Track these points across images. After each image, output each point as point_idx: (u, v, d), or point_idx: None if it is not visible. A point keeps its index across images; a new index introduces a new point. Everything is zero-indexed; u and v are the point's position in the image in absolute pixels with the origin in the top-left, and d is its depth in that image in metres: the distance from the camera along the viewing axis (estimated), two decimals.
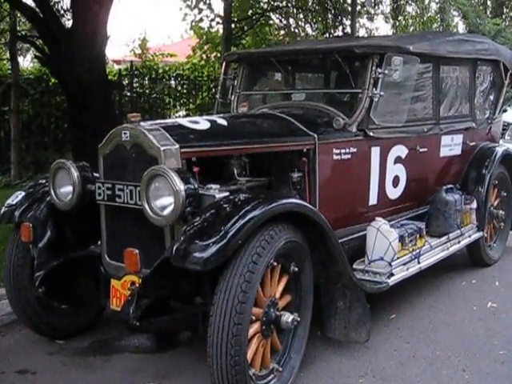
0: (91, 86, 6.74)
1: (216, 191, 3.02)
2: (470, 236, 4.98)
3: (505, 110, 5.84)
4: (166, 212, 2.93)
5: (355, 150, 4.04)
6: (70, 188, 3.48)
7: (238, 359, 2.67)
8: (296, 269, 3.19)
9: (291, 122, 3.86)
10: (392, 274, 3.89)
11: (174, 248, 2.68)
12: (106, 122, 6.27)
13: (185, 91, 13.89)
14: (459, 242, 4.81)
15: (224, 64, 4.89)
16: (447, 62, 4.84)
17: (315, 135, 3.79)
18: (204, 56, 13.84)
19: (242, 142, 3.50)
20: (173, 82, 13.84)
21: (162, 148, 3.08)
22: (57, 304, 3.73)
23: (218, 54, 12.75)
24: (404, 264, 4.05)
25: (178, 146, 3.12)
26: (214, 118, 3.66)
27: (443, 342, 3.87)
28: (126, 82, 12.16)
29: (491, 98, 5.65)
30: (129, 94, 11.71)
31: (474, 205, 5.01)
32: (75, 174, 3.42)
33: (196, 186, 2.96)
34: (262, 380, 3.03)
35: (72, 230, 3.71)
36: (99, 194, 3.36)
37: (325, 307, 3.56)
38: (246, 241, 2.73)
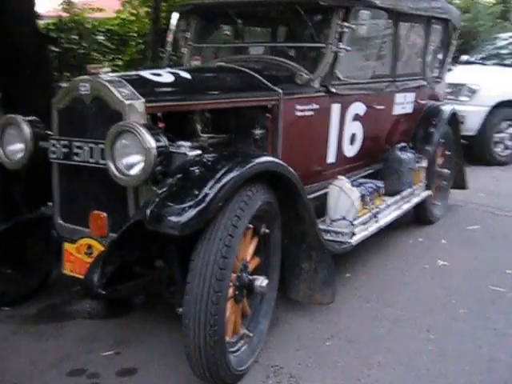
0: (24, 40, 6.25)
1: (187, 149, 2.82)
2: (419, 195, 5.01)
3: (450, 70, 5.84)
4: (134, 171, 2.72)
5: (317, 106, 3.92)
6: (20, 146, 3.20)
7: (217, 329, 2.54)
8: (267, 230, 3.07)
9: (254, 76, 3.68)
10: (353, 234, 3.84)
11: (148, 211, 2.49)
12: (42, 79, 5.86)
13: (113, 47, 13.35)
14: (410, 201, 4.83)
15: (176, 15, 4.60)
16: (405, 19, 4.76)
17: (280, 90, 3.63)
18: (133, 11, 13.29)
19: (209, 97, 3.31)
20: (101, 38, 13.24)
21: (126, 102, 2.84)
22: (4, 269, 3.48)
23: (148, 10, 12.29)
24: (364, 223, 4.02)
25: (143, 100, 2.89)
26: (176, 70, 3.42)
27: (402, 301, 3.88)
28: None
29: (439, 56, 5.64)
30: (57, 49, 11.08)
31: (425, 163, 5.03)
32: (27, 130, 3.14)
33: (166, 143, 2.75)
34: (233, 347, 2.91)
35: (19, 191, 3.43)
36: (53, 152, 3.09)
37: (288, 269, 3.46)
38: (224, 203, 2.57)
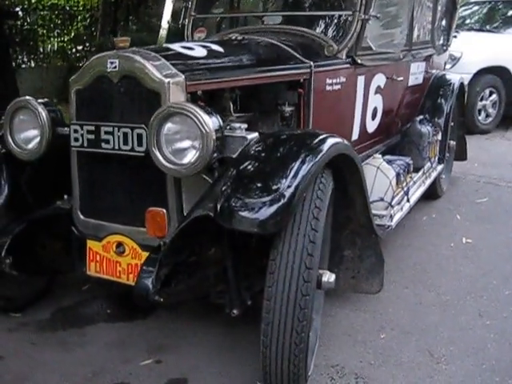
0: None
1: (243, 131, 2.48)
2: (436, 169, 4.80)
3: (455, 37, 5.62)
4: (188, 160, 2.37)
5: (344, 79, 3.61)
6: (34, 132, 2.80)
7: (303, 336, 2.24)
8: None
9: (283, 48, 3.34)
10: (391, 215, 3.58)
11: (219, 205, 2.15)
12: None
13: (59, 22, 12.66)
14: (430, 176, 4.61)
15: None
16: None
17: (311, 63, 3.30)
18: None
19: (247, 72, 2.95)
20: (47, 13, 12.53)
21: (166, 80, 2.48)
22: (12, 272, 3.09)
23: None
24: (399, 203, 3.77)
25: (183, 77, 2.53)
26: (206, 43, 3.05)
27: (442, 284, 3.66)
28: None
29: (444, 23, 5.40)
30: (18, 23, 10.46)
31: (439, 136, 4.81)
32: (44, 114, 2.74)
33: (222, 125, 2.41)
34: None
35: (30, 184, 3.03)
36: (76, 139, 2.69)
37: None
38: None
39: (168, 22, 4.21)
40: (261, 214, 2.10)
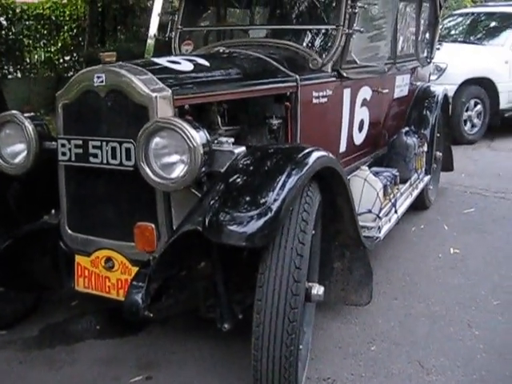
0: None
1: (230, 145, 2.49)
2: (423, 180, 4.82)
3: (438, 49, 5.67)
4: (176, 174, 2.37)
5: (331, 92, 3.63)
6: (21, 146, 2.79)
7: (293, 349, 2.24)
8: (313, 231, 2.76)
9: (269, 62, 3.36)
10: (379, 227, 3.59)
11: (207, 219, 2.14)
12: None
13: (45, 32, 12.62)
14: (418, 187, 4.63)
15: None
16: None
17: (297, 76, 3.32)
18: None
19: (233, 86, 2.96)
20: (32, 23, 12.48)
21: (153, 94, 2.48)
22: (12, 292, 3.08)
23: None
24: (386, 215, 3.78)
25: (170, 91, 2.54)
26: (192, 57, 3.06)
27: (431, 295, 3.67)
28: None
29: (427, 36, 5.45)
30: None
31: (425, 148, 4.83)
32: (30, 128, 2.73)
33: (209, 139, 2.41)
34: None
35: (17, 199, 3.01)
36: (63, 154, 2.69)
37: None
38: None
39: (154, 35, 4.19)
40: (248, 227, 2.10)
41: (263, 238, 2.13)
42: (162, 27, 4.18)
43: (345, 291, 3.20)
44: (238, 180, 2.28)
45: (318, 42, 3.82)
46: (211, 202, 2.21)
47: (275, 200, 2.15)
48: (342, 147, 3.92)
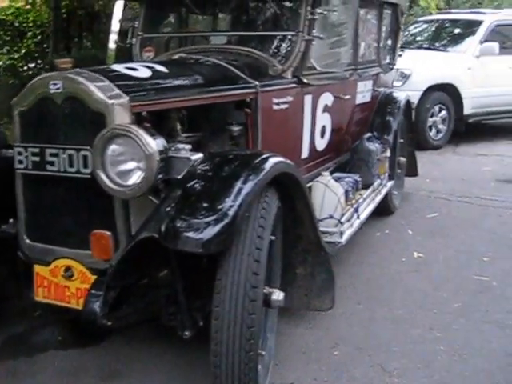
0: None
1: (188, 152, 2.49)
2: (386, 185, 4.86)
3: (400, 55, 5.74)
4: (133, 181, 2.36)
5: (291, 98, 3.65)
6: None
7: (252, 355, 2.23)
8: (272, 237, 2.76)
9: (229, 68, 3.36)
10: (342, 233, 3.61)
11: (164, 226, 2.14)
12: None
13: (8, 38, 12.45)
14: (381, 192, 4.67)
15: (121, 2, 4.19)
16: (364, 5, 4.57)
17: (257, 83, 3.33)
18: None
19: (192, 93, 2.96)
20: None
21: (109, 101, 2.46)
22: None
23: None
24: (348, 220, 3.80)
25: (127, 98, 2.52)
26: (150, 64, 3.05)
27: (395, 299, 3.70)
28: None
29: (389, 42, 5.52)
30: None
31: (388, 153, 4.88)
32: None
33: (166, 146, 2.41)
34: None
35: None
36: (20, 162, 2.66)
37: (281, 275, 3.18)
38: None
39: (115, 42, 4.17)
40: (205, 234, 2.10)
41: (219, 244, 2.13)
42: (124, 33, 4.13)
43: (308, 297, 3.21)
44: (195, 186, 2.28)
45: (278, 49, 3.83)
46: (168, 209, 2.21)
47: (231, 206, 2.15)
48: (305, 153, 3.93)
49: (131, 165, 2.37)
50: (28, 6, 12.48)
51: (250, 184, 2.25)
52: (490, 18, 9.33)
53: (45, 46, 12.35)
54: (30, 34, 12.41)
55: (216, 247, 2.13)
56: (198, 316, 2.58)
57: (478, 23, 9.16)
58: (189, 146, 2.54)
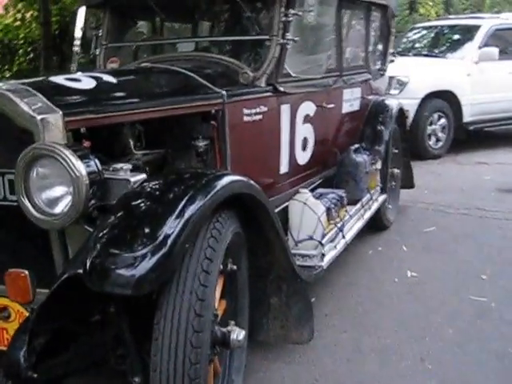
0: None
1: (127, 173, 2.16)
2: (377, 200, 4.53)
3: (392, 61, 5.41)
4: (60, 209, 2.04)
5: (266, 108, 3.32)
6: None
7: None
8: (234, 267, 2.44)
9: (191, 77, 3.04)
10: (323, 255, 3.28)
11: (88, 263, 1.81)
12: None
13: None
14: (370, 208, 4.33)
15: (83, 9, 3.89)
16: (347, 6, 4.25)
17: (223, 92, 3.00)
18: (19, 15, 12.17)
19: (142, 105, 2.62)
20: None
21: (38, 117, 2.14)
22: None
23: (35, 13, 11.32)
24: (332, 241, 3.47)
25: (60, 113, 2.20)
26: (96, 74, 2.74)
27: (383, 326, 3.36)
28: None
29: (380, 47, 5.19)
30: None
31: (379, 165, 4.55)
32: None
33: (99, 167, 2.08)
34: None
35: None
36: None
37: (253, 306, 2.85)
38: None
39: (77, 53, 3.87)
40: (137, 270, 1.77)
41: (155, 282, 1.81)
42: (87, 43, 3.84)
43: (284, 329, 2.90)
44: (129, 213, 1.95)
45: (250, 55, 3.52)
46: (95, 241, 1.87)
47: (169, 235, 1.82)
48: (284, 168, 3.60)
49: (59, 190, 2.05)
50: (18, 23, 12.24)
51: (193, 208, 1.92)
52: (488, 22, 9.04)
53: (37, 63, 12.13)
54: (21, 51, 12.17)
55: (150, 286, 1.80)
56: (149, 359, 2.24)
57: (477, 28, 8.86)
58: (128, 166, 2.21)
